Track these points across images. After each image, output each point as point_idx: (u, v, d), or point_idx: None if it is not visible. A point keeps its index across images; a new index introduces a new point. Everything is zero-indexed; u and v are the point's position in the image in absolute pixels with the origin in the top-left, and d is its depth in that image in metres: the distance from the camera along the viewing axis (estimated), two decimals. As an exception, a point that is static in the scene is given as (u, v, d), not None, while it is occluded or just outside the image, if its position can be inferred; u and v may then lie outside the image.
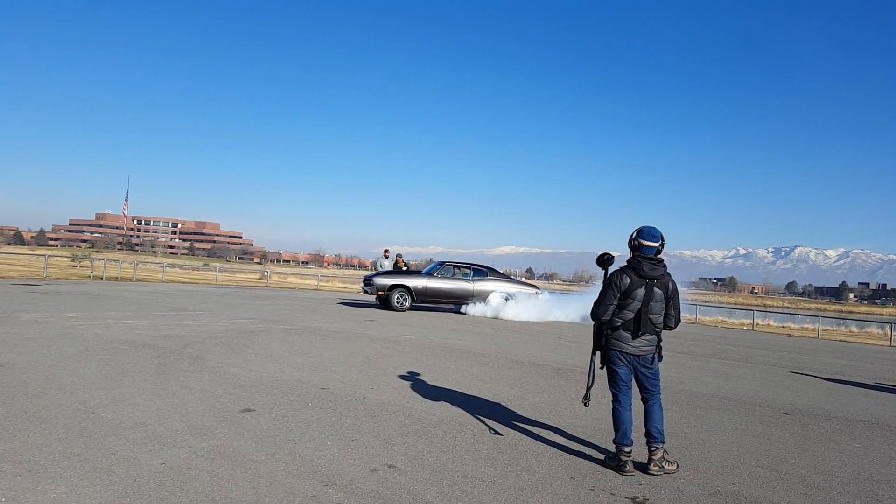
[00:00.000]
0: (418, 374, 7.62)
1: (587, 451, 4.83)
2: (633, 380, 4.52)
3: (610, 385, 4.55)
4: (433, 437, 4.95)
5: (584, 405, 4.66)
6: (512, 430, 5.30)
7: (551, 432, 5.33)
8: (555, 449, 4.83)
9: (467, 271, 18.11)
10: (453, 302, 17.89)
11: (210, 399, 5.66)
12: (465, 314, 17.28)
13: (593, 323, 4.62)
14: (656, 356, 4.49)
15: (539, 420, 5.74)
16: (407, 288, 17.23)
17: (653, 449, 4.36)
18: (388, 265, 20.61)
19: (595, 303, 4.49)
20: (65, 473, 3.66)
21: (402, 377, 7.36)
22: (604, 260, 4.59)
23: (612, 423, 4.53)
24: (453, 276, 17.92)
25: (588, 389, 4.65)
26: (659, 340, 4.48)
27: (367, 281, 17.99)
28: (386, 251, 21.31)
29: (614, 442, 4.44)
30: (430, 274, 17.97)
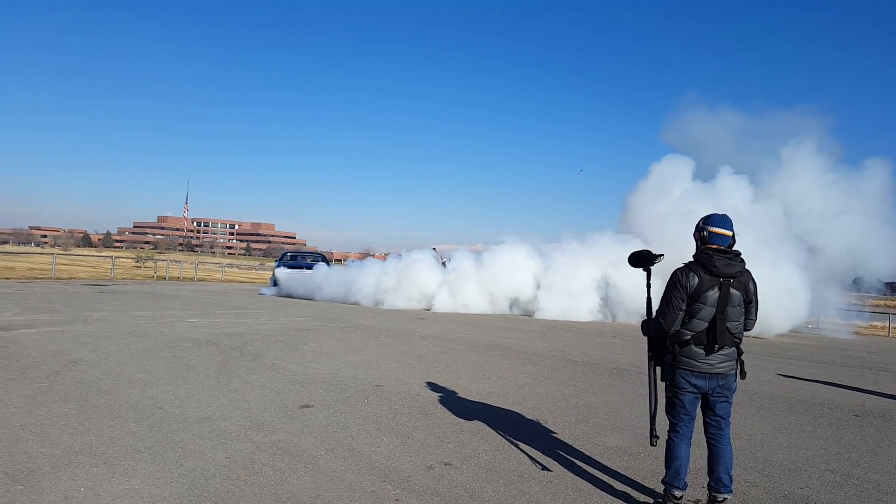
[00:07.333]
0: (471, 372, 7.63)
1: (645, 452, 4.73)
2: (700, 406, 3.65)
3: (668, 411, 3.65)
4: (488, 435, 4.95)
5: (652, 444, 3.70)
6: (568, 430, 5.24)
7: (608, 432, 5.24)
8: (612, 449, 4.76)
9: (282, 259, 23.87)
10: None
11: (270, 395, 5.82)
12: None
13: (647, 337, 3.74)
14: (738, 373, 3.59)
15: (595, 420, 5.66)
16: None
17: (720, 499, 3.54)
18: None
19: (657, 311, 3.61)
20: (137, 466, 3.84)
21: (455, 375, 7.39)
22: (643, 258, 3.68)
23: (664, 455, 3.67)
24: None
25: (652, 422, 3.72)
26: (739, 353, 3.57)
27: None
28: (434, 248, 21.91)
29: (663, 482, 3.59)
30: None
